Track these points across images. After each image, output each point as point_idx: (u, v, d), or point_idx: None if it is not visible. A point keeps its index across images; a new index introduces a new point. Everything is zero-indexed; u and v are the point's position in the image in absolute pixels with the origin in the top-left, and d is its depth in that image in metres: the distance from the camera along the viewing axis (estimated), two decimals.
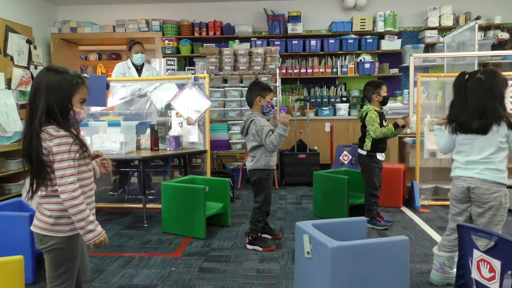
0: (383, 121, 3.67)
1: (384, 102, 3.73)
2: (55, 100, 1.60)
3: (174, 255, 3.13)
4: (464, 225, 1.68)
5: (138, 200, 4.64)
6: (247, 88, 5.77)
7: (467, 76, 2.35)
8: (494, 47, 7.01)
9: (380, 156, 3.70)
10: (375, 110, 3.65)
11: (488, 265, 1.53)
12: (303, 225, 2.34)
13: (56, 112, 1.60)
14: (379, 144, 3.67)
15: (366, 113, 3.66)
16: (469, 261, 1.64)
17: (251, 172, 3.26)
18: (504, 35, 7.02)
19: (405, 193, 4.56)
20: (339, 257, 2.02)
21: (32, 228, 1.67)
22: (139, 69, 5.14)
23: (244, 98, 5.76)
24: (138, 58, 5.05)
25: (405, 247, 2.13)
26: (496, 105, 2.24)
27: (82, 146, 1.64)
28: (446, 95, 5.89)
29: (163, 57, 7.18)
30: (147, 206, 4.08)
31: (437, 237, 3.42)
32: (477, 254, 1.58)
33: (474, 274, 1.60)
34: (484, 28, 6.96)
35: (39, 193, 1.64)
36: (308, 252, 2.24)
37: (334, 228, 2.39)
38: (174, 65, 7.17)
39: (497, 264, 1.50)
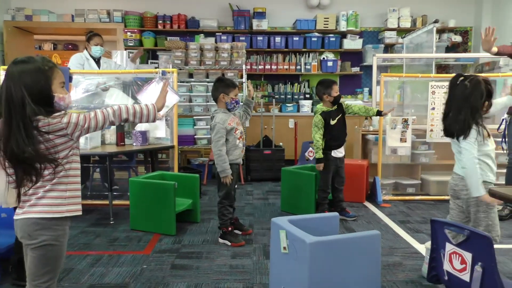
0: (330, 120, 3.77)
1: (335, 101, 3.82)
2: (36, 94, 1.54)
3: (144, 252, 3.09)
4: (436, 220, 1.78)
5: (102, 197, 4.51)
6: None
7: (461, 78, 2.33)
8: (448, 49, 7.38)
9: (334, 153, 3.82)
10: (323, 112, 3.75)
11: (460, 257, 1.64)
12: (279, 221, 2.38)
13: (41, 107, 1.55)
14: (332, 142, 3.79)
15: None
16: (442, 254, 1.74)
17: (215, 166, 3.28)
18: (457, 38, 7.41)
19: (367, 188, 4.72)
20: (316, 252, 2.08)
21: (25, 216, 1.60)
22: (96, 61, 4.99)
23: (210, 94, 5.75)
24: (97, 50, 4.88)
25: (377, 241, 2.22)
26: (472, 114, 2.24)
27: None
28: (404, 94, 6.15)
29: (125, 49, 6.99)
30: (113, 202, 3.98)
31: (400, 231, 3.58)
32: (449, 247, 1.68)
33: (446, 266, 1.70)
34: (439, 31, 7.30)
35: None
36: (284, 248, 2.29)
37: (308, 224, 2.45)
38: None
39: (468, 256, 1.60)
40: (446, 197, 4.49)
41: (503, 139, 4.19)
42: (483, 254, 1.56)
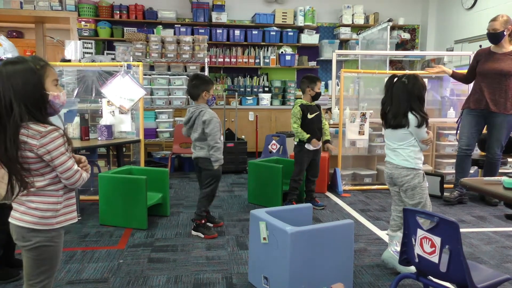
0: (308, 114, 3.95)
1: (316, 97, 4.01)
2: (27, 96, 1.53)
3: (118, 247, 3.09)
4: (408, 209, 1.97)
5: None
6: (175, 77, 5.74)
7: (395, 79, 2.63)
8: (398, 45, 7.79)
9: (308, 146, 3.98)
10: (301, 104, 3.93)
11: (430, 241, 1.83)
12: (258, 213, 2.50)
13: (33, 109, 1.53)
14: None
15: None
16: (413, 239, 1.92)
17: (200, 160, 3.33)
18: (406, 36, 7.84)
19: (328, 179, 4.94)
20: (297, 241, 2.22)
21: (16, 222, 1.59)
22: None
23: (172, 86, 5.73)
24: None
25: (351, 230, 2.41)
26: (418, 105, 2.56)
27: (68, 138, 1.62)
28: (360, 88, 6.45)
29: (79, 39, 6.77)
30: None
31: (361, 219, 3.81)
32: (420, 233, 1.87)
33: (417, 250, 1.89)
34: (390, 28, 7.68)
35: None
36: (264, 238, 2.41)
37: (284, 215, 2.58)
38: (92, 48, 6.80)
39: (437, 240, 1.80)
40: None
41: (457, 130, 4.56)
42: (450, 238, 1.76)
